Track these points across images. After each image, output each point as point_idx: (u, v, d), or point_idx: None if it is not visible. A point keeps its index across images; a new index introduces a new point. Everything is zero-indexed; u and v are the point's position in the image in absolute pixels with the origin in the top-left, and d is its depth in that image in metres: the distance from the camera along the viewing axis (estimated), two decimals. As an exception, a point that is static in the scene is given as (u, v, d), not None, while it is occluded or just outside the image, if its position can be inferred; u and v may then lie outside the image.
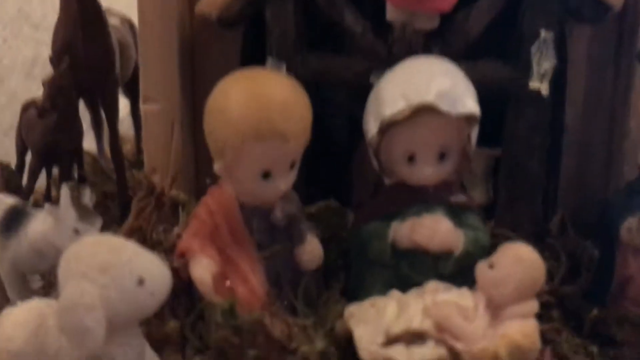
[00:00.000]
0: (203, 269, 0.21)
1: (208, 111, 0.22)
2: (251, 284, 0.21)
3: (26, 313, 0.20)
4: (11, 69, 0.65)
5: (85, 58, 0.33)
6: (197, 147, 0.27)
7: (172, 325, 0.22)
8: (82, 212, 0.24)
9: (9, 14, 0.72)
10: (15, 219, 0.25)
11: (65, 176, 0.35)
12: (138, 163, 0.38)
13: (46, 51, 0.37)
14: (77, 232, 0.23)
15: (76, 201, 0.24)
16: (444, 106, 0.21)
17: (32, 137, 0.35)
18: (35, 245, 0.24)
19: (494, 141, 0.26)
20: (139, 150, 0.40)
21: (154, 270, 0.19)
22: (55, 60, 0.33)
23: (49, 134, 0.34)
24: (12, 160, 0.41)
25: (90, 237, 0.19)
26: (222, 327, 0.19)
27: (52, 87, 0.33)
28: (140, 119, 0.31)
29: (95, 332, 0.18)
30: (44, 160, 0.35)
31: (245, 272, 0.21)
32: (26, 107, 0.38)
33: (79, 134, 0.35)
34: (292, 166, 0.22)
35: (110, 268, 0.18)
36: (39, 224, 0.24)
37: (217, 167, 0.22)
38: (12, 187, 0.37)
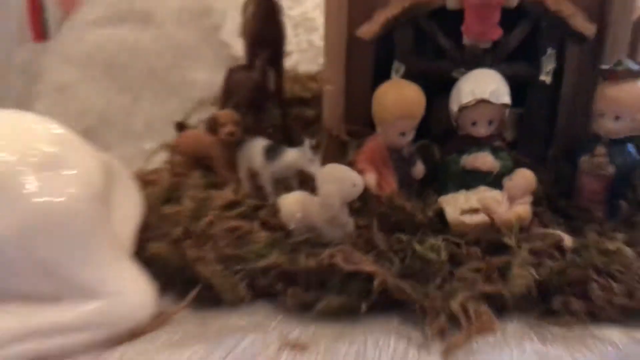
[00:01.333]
0: (371, 178, 0.41)
1: (376, 102, 0.41)
2: (392, 186, 0.42)
3: (295, 198, 0.40)
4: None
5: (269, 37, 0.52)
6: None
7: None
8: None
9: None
10: (272, 150, 0.45)
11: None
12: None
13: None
14: (312, 160, 0.43)
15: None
16: (493, 99, 0.40)
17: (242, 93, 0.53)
18: (289, 165, 0.43)
19: (520, 104, 0.45)
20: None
21: (358, 178, 0.39)
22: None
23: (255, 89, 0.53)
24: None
25: (332, 165, 0.39)
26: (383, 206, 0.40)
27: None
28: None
29: (335, 206, 0.38)
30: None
31: (389, 180, 0.42)
32: (233, 70, 0.60)
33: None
34: (414, 129, 0.41)
35: (341, 178, 0.38)
36: (292, 154, 0.43)
37: (378, 129, 0.41)
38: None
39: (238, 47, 0.75)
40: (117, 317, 0.34)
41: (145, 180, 0.45)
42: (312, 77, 0.69)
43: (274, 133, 0.50)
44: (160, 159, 0.55)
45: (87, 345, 0.33)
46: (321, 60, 0.47)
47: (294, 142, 0.48)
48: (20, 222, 0.31)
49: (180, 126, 0.52)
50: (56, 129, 0.36)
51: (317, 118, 0.53)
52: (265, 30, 0.52)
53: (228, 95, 0.52)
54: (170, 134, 0.63)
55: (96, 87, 0.68)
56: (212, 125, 0.46)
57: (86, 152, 0.37)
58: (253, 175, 0.43)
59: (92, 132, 0.63)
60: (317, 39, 0.74)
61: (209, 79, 0.74)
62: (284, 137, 0.51)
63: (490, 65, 0.42)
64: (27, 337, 0.31)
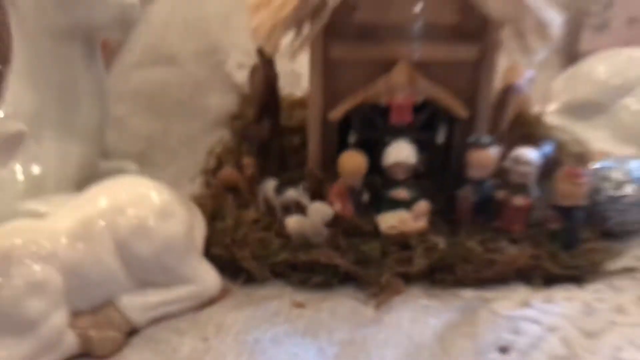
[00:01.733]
0: (337, 207, 0.67)
1: (339, 164, 0.68)
2: (350, 210, 0.69)
3: (295, 219, 0.68)
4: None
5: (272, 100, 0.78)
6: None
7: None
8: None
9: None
10: (280, 188, 0.73)
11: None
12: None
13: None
14: (304, 195, 0.71)
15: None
16: (405, 161, 0.68)
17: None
18: (290, 198, 0.72)
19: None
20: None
21: (329, 208, 0.68)
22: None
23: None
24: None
25: (316, 203, 0.67)
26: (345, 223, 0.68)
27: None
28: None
29: (319, 224, 0.67)
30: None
31: (349, 207, 0.69)
32: (247, 127, 0.85)
33: None
34: (362, 177, 0.70)
35: (321, 209, 0.66)
36: (292, 192, 0.71)
37: (340, 177, 0.69)
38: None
39: (238, 77, 1.01)
40: (202, 293, 0.63)
41: (197, 204, 0.73)
42: (296, 103, 0.96)
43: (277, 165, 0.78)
44: (199, 181, 0.82)
45: (191, 308, 0.62)
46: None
47: (290, 167, 0.76)
48: (157, 247, 0.60)
49: (219, 162, 0.79)
50: (163, 188, 0.64)
51: (303, 144, 0.80)
52: (269, 95, 0.79)
53: (245, 142, 0.79)
54: (196, 150, 0.90)
55: (141, 118, 0.94)
56: (240, 168, 0.74)
57: (178, 198, 0.65)
58: (267, 202, 0.71)
59: (143, 154, 0.90)
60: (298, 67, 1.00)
61: (219, 102, 1.00)
62: (283, 167, 0.78)
63: (407, 135, 0.70)
64: (163, 304, 0.60)
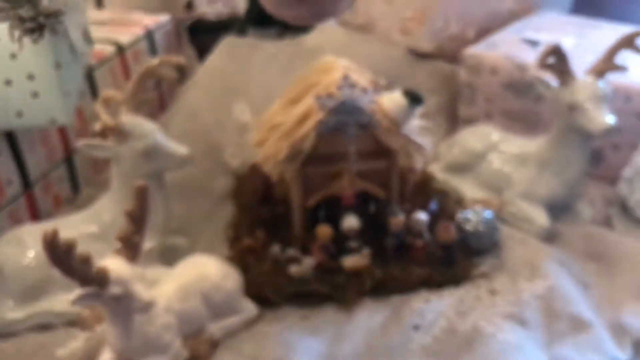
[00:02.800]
0: (312, 260, 1.18)
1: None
2: (324, 257, 1.19)
3: (304, 263, 1.17)
4: None
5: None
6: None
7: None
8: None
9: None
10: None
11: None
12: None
13: None
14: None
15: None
16: (355, 227, 1.18)
17: None
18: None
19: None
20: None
21: (311, 259, 1.17)
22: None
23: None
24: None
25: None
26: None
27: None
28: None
29: (308, 266, 1.16)
30: None
31: (324, 256, 1.19)
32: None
33: None
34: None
35: (306, 263, 1.15)
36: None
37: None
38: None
39: (233, 164, 1.48)
40: (249, 317, 1.11)
41: (230, 262, 1.21)
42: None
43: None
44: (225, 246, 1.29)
45: (243, 326, 1.10)
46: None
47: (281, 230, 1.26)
48: (225, 295, 1.07)
49: (236, 232, 1.27)
50: (219, 259, 1.11)
51: (287, 213, 1.29)
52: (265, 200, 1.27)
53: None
54: (212, 220, 1.37)
55: (173, 202, 1.41)
56: (254, 237, 1.22)
57: (225, 262, 1.12)
58: (275, 258, 1.20)
59: (180, 228, 1.36)
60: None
61: (222, 184, 1.46)
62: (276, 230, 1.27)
63: (353, 210, 1.19)
64: (230, 327, 1.08)
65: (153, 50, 1.64)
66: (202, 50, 1.71)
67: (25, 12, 0.66)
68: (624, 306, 1.01)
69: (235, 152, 1.44)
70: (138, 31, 1.59)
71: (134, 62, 1.56)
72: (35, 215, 1.30)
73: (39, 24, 0.66)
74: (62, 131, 1.36)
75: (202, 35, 1.75)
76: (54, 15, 0.68)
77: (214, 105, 1.49)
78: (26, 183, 1.28)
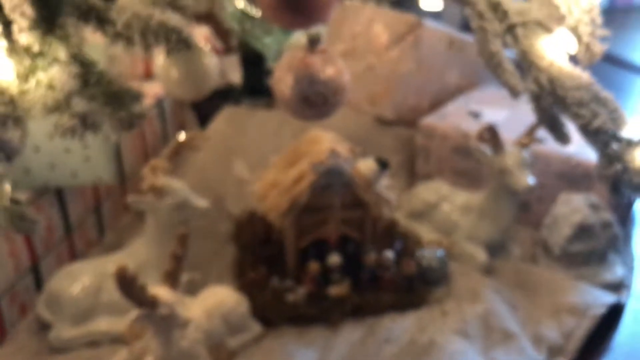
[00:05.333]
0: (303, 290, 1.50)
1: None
2: (314, 287, 1.51)
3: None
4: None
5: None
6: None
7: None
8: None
9: None
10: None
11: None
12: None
13: None
14: None
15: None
16: (338, 262, 1.51)
17: None
18: None
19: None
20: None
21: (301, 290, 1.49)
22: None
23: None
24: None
25: None
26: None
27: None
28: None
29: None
30: None
31: (314, 286, 1.51)
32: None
33: None
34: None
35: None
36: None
37: None
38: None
39: (234, 211, 1.80)
40: (258, 334, 1.42)
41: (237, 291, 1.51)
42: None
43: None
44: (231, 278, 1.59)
45: (253, 341, 1.41)
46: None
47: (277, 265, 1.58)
48: (238, 318, 1.38)
49: (241, 268, 1.58)
50: (231, 289, 1.42)
51: (281, 252, 1.61)
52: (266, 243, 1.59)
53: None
54: (219, 257, 1.68)
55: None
56: (257, 272, 1.53)
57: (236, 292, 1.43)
58: (274, 288, 1.51)
59: (192, 263, 1.66)
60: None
61: (223, 228, 1.78)
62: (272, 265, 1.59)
63: (336, 249, 1.52)
64: (244, 342, 1.39)
65: (162, 116, 1.96)
66: (202, 115, 2.04)
67: (123, 115, 0.93)
68: (542, 322, 1.34)
69: (235, 201, 1.75)
70: (150, 100, 1.90)
71: (148, 126, 1.87)
72: (74, 255, 1.59)
73: (129, 123, 0.93)
74: (96, 187, 1.66)
75: (201, 103, 2.07)
76: (143, 117, 0.97)
77: (217, 163, 1.80)
78: (67, 228, 1.57)
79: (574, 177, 1.49)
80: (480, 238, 1.43)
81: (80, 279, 1.25)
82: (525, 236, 1.54)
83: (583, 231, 1.49)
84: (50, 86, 0.77)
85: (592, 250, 1.40)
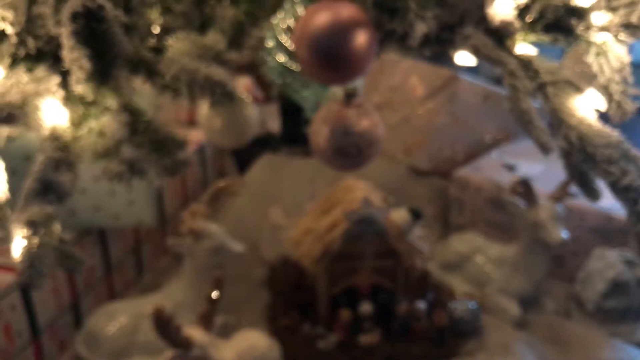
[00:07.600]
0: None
1: None
2: (345, 334, 1.52)
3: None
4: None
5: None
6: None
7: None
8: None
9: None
10: None
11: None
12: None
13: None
14: None
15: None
16: (371, 310, 1.52)
17: None
18: None
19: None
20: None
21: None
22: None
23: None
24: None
25: None
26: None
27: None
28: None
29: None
30: None
31: (345, 333, 1.52)
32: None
33: None
34: None
35: None
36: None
37: None
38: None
39: (269, 256, 1.83)
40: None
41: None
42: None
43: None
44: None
45: None
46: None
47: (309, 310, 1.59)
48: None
49: (274, 313, 1.60)
50: (264, 335, 1.44)
51: (313, 300, 1.63)
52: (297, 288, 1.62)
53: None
54: (252, 301, 1.71)
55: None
56: (289, 318, 1.55)
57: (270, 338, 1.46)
58: (306, 335, 1.52)
59: (227, 306, 1.69)
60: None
61: (259, 272, 1.81)
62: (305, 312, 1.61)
63: (368, 298, 1.53)
64: None
65: (203, 161, 2.03)
66: (241, 162, 2.10)
67: (168, 162, 0.98)
68: (575, 377, 1.32)
69: (270, 247, 1.78)
70: (193, 146, 1.97)
71: (189, 171, 1.94)
72: (112, 294, 1.64)
73: (173, 170, 0.98)
74: (136, 229, 1.71)
75: (241, 150, 2.14)
76: (186, 165, 1.02)
77: (254, 209, 1.85)
78: (108, 268, 1.62)
79: (608, 232, 1.49)
80: (513, 291, 1.43)
81: (118, 319, 1.28)
82: (559, 291, 1.54)
83: (618, 287, 1.48)
84: (101, 133, 0.81)
85: (627, 307, 1.39)
